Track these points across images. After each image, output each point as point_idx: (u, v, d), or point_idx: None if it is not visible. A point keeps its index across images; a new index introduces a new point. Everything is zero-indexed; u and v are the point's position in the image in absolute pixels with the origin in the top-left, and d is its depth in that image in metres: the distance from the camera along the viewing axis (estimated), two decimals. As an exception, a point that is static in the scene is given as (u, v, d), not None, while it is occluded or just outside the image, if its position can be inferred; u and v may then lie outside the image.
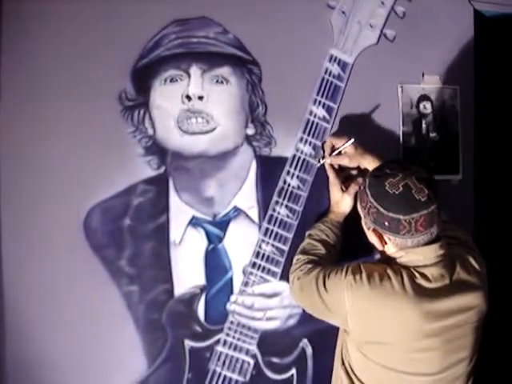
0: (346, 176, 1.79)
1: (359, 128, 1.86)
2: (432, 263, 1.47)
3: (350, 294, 1.47)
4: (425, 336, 1.46)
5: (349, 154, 1.75)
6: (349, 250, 1.72)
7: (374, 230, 1.50)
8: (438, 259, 1.48)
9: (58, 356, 1.75)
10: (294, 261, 1.69)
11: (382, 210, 1.45)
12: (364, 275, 1.47)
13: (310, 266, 1.61)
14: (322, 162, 1.80)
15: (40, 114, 1.72)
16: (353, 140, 1.74)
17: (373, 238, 1.53)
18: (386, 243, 1.51)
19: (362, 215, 1.55)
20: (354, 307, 1.48)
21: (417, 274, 1.47)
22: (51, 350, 1.75)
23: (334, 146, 1.79)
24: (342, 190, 1.75)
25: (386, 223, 1.45)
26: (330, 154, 1.78)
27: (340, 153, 1.77)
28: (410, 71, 1.90)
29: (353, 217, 1.67)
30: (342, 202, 1.75)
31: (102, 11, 1.75)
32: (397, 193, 1.43)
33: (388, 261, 1.52)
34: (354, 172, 1.79)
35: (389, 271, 1.47)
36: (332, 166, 1.79)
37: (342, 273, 1.51)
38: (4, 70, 1.71)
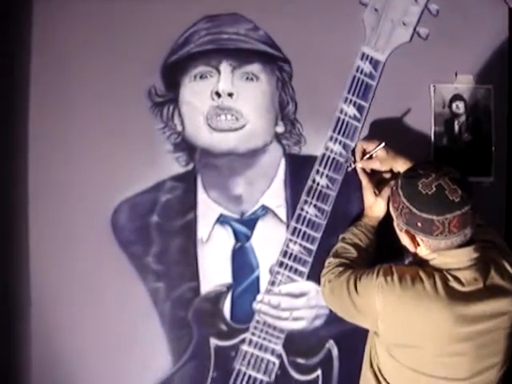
0: (378, 180, 1.76)
1: (390, 128, 1.83)
2: (465, 266, 1.45)
3: (381, 296, 1.45)
4: (456, 340, 1.44)
5: (380, 157, 1.73)
6: (382, 253, 1.70)
7: (407, 232, 1.48)
8: (471, 262, 1.45)
9: (84, 353, 1.77)
10: (326, 264, 1.68)
11: (414, 210, 1.43)
12: (395, 277, 1.45)
13: (341, 268, 1.60)
14: (353, 166, 1.78)
15: (70, 111, 1.74)
16: (384, 144, 1.71)
17: (405, 240, 1.51)
18: (418, 245, 1.49)
19: (394, 216, 1.53)
20: (385, 309, 1.46)
21: (450, 277, 1.44)
22: (77, 347, 1.76)
23: (365, 150, 1.77)
24: (375, 193, 1.73)
25: (419, 224, 1.43)
26: (362, 158, 1.76)
27: (371, 157, 1.75)
28: (443, 70, 1.86)
29: (386, 221, 1.65)
30: (375, 205, 1.73)
31: (132, 8, 1.75)
32: (430, 193, 1.41)
33: (420, 263, 1.50)
34: (387, 175, 1.76)
35: (421, 273, 1.45)
36: (364, 170, 1.77)
37: (373, 274, 1.49)
38: (34, 70, 1.72)
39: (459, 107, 1.89)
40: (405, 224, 1.47)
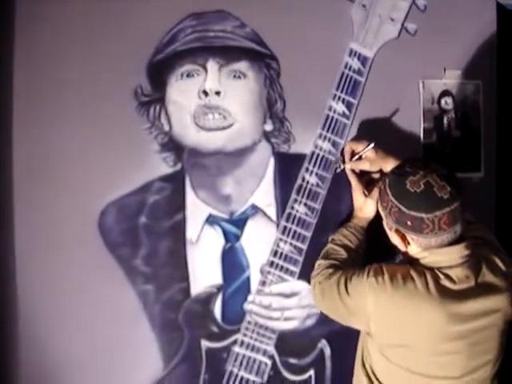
0: (368, 180, 1.75)
1: (379, 125, 1.83)
2: (457, 264, 1.44)
3: (373, 296, 1.44)
4: (449, 339, 1.43)
5: (369, 158, 1.71)
6: (372, 254, 1.68)
7: (397, 231, 1.47)
8: (462, 260, 1.44)
9: (72, 356, 1.73)
10: (316, 266, 1.67)
11: (403, 209, 1.42)
12: (386, 276, 1.44)
13: (331, 270, 1.59)
14: (342, 167, 1.76)
15: (54, 112, 1.71)
16: (373, 144, 1.70)
17: (395, 239, 1.50)
18: (409, 243, 1.48)
19: (383, 216, 1.52)
20: (377, 309, 1.45)
21: (441, 276, 1.43)
22: (65, 351, 1.73)
23: (353, 151, 1.75)
24: (365, 194, 1.72)
25: (409, 222, 1.42)
26: (351, 159, 1.75)
27: (360, 157, 1.73)
28: (432, 66, 1.86)
29: (377, 221, 1.64)
30: (365, 206, 1.72)
31: (116, 6, 1.72)
32: (418, 191, 1.40)
33: (411, 262, 1.49)
34: (377, 176, 1.75)
35: (412, 272, 1.44)
36: (353, 170, 1.76)
37: (363, 275, 1.48)
38: (17, 70, 1.69)
39: (448, 103, 1.88)
40: (394, 223, 1.46)
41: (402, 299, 1.42)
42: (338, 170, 1.78)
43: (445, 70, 1.87)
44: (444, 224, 1.40)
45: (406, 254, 1.52)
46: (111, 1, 1.72)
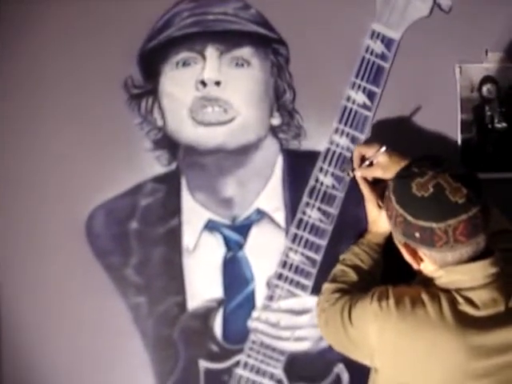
0: (383, 189, 1.52)
1: (406, 119, 1.64)
2: (480, 285, 1.21)
3: (376, 326, 1.24)
4: (470, 377, 1.20)
5: (382, 163, 1.51)
6: (391, 276, 1.46)
7: (406, 245, 1.27)
8: (488, 279, 1.21)
9: (56, 371, 1.64)
10: (322, 290, 1.49)
11: (409, 217, 1.22)
12: (391, 301, 1.24)
13: (337, 295, 1.40)
14: (351, 175, 1.59)
15: (36, 105, 1.63)
16: (385, 148, 1.51)
17: (406, 255, 1.30)
18: (421, 260, 1.27)
19: (390, 228, 1.32)
20: (381, 342, 1.24)
21: (460, 299, 1.21)
22: (49, 366, 1.64)
23: (363, 156, 1.57)
24: (379, 206, 1.52)
25: (417, 234, 1.21)
26: (360, 165, 1.56)
27: (372, 163, 1.55)
28: (470, 48, 1.65)
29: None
30: (380, 220, 1.51)
31: None
32: (426, 195, 1.20)
33: (426, 283, 1.28)
34: None
35: (423, 295, 1.23)
36: (365, 178, 1.56)
37: (367, 300, 1.28)
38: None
39: (491, 91, 1.67)
40: (402, 236, 1.26)
41: (410, 329, 1.21)
42: (347, 179, 1.62)
43: (486, 52, 1.66)
44: (461, 235, 1.18)
45: (420, 272, 1.32)
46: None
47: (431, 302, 1.22)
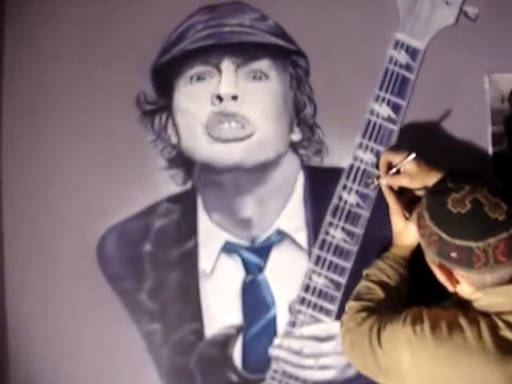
0: (409, 199, 1.49)
1: (433, 130, 1.57)
2: (523, 308, 1.13)
3: (409, 351, 1.15)
4: (513, 408, 1.11)
5: (410, 172, 1.44)
6: (418, 293, 1.41)
7: (441, 266, 1.20)
8: (531, 302, 1.13)
9: None
10: (346, 309, 1.41)
11: (445, 236, 1.15)
12: (427, 325, 1.15)
13: (363, 314, 1.32)
14: (376, 183, 1.52)
15: (48, 125, 1.60)
16: (414, 155, 1.45)
17: (440, 276, 1.23)
18: (457, 282, 1.20)
19: (423, 247, 1.25)
20: (414, 368, 1.15)
21: (501, 324, 1.13)
22: None
23: (390, 163, 1.50)
24: (406, 217, 1.45)
25: (454, 254, 1.14)
26: (387, 173, 1.49)
27: (399, 171, 1.48)
28: (500, 57, 1.59)
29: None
30: (406, 232, 1.44)
31: (116, 3, 1.60)
32: (463, 212, 1.14)
33: (462, 305, 1.20)
34: (420, 193, 1.47)
35: (461, 320, 1.14)
36: (391, 187, 1.49)
37: (398, 322, 1.19)
38: (6, 74, 1.60)
39: None
40: (436, 255, 1.19)
41: (447, 355, 1.13)
42: (372, 187, 1.54)
43: (517, 60, 1.61)
44: (501, 255, 1.11)
45: (455, 295, 1.24)
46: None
47: (470, 327, 1.14)
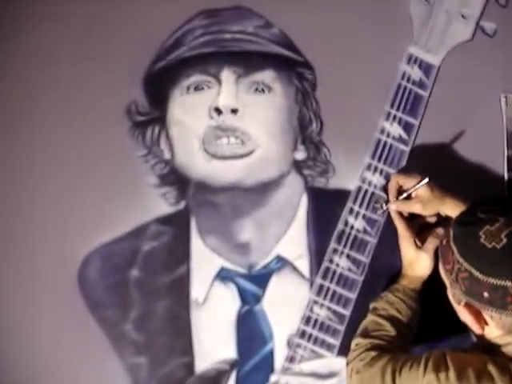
0: (420, 226, 1.44)
1: (444, 152, 1.53)
2: (560, 354, 1.06)
3: None
4: None
5: (422, 197, 1.39)
6: (429, 329, 1.36)
7: (468, 305, 1.13)
8: None
9: None
10: (353, 346, 1.33)
11: (477, 274, 1.08)
12: (452, 373, 1.07)
13: (373, 353, 1.23)
14: (385, 207, 1.47)
15: (32, 136, 1.50)
16: (427, 179, 1.40)
17: (466, 317, 1.15)
18: (486, 324, 1.13)
19: (447, 283, 1.18)
20: None
21: None
22: None
23: (401, 187, 1.45)
24: (417, 245, 1.40)
25: (486, 294, 1.08)
26: (397, 198, 1.44)
27: (410, 196, 1.43)
28: None
29: (434, 279, 1.32)
30: (417, 262, 1.38)
31: (109, 5, 1.51)
32: (498, 247, 1.08)
33: (489, 349, 1.13)
34: (432, 220, 1.43)
35: (490, 367, 1.07)
36: (400, 213, 1.44)
37: (418, 367, 1.11)
38: None
39: None
40: (464, 294, 1.12)
41: None
42: (380, 212, 1.48)
43: (535, 80, 1.58)
44: None
45: (481, 337, 1.16)
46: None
47: (501, 376, 1.06)
